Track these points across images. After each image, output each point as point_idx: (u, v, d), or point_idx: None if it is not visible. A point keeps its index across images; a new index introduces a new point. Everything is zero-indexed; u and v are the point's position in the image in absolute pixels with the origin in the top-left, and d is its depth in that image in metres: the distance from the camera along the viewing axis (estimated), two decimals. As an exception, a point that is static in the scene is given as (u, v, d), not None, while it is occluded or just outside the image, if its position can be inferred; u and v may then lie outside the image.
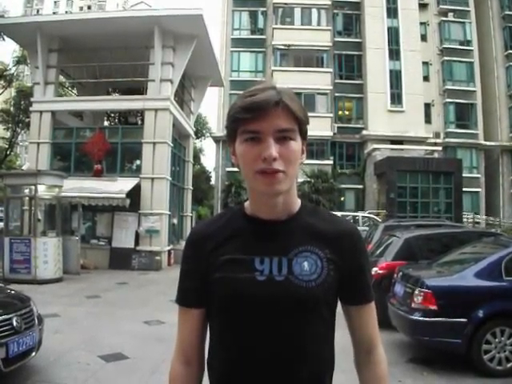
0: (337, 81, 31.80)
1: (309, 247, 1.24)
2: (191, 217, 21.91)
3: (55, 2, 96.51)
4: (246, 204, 1.33)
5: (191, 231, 1.37)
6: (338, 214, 22.47)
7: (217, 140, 32.41)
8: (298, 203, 1.31)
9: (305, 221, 1.28)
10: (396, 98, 30.69)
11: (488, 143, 32.95)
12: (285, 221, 1.26)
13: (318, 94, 31.04)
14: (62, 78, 19.57)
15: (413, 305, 5.59)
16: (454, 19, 33.73)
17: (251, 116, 1.14)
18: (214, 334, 1.30)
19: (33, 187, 12.37)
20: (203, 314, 1.31)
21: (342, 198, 30.21)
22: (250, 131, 1.16)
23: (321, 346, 1.25)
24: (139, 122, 18.85)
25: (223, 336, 1.26)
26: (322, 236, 1.26)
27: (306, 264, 1.21)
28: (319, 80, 30.79)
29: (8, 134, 29.54)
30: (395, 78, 30.82)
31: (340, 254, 1.26)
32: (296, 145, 1.20)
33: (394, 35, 31.29)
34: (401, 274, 6.45)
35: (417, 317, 5.48)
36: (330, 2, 32.40)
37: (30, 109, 17.54)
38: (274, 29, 31.93)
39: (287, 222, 1.26)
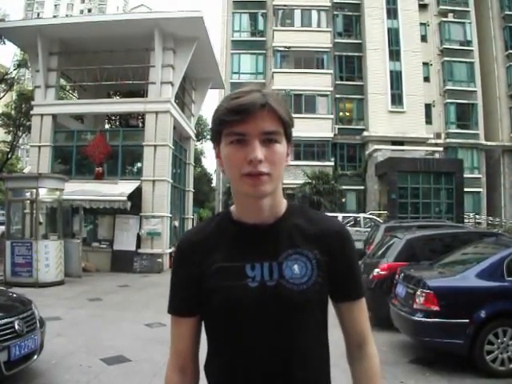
0: (337, 82, 31.80)
1: (298, 249, 1.24)
2: (192, 219, 21.92)
3: (56, 5, 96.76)
4: (233, 208, 1.32)
5: (180, 240, 1.35)
6: (340, 215, 22.61)
7: (218, 142, 32.36)
8: (284, 204, 1.31)
9: (292, 222, 1.28)
10: (396, 99, 30.68)
11: (489, 143, 32.93)
12: (272, 224, 1.26)
13: (319, 95, 31.06)
14: (62, 81, 19.60)
15: (415, 306, 5.58)
16: (454, 20, 33.72)
17: (237, 118, 1.14)
18: (211, 341, 1.30)
19: (34, 190, 12.39)
20: (196, 322, 1.31)
21: (344, 200, 30.18)
22: (236, 133, 1.15)
23: (315, 347, 1.26)
24: (140, 125, 18.85)
25: (219, 343, 1.26)
26: (311, 237, 1.27)
27: (296, 267, 1.22)
28: (320, 81, 30.81)
29: (9, 138, 29.57)
30: (396, 78, 30.81)
31: (329, 253, 1.26)
32: (281, 147, 1.20)
33: (394, 36, 31.30)
34: (402, 274, 6.45)
35: (419, 318, 5.47)
36: (329, 4, 32.41)
37: (31, 112, 17.56)
38: (274, 30, 31.95)
39: (275, 225, 1.26)
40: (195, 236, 1.32)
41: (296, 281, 1.20)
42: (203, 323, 1.31)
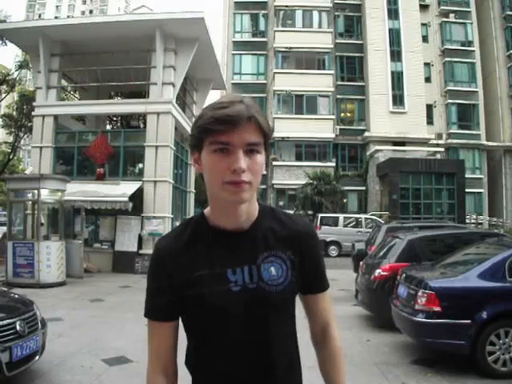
0: (338, 83, 31.83)
1: (273, 252, 1.33)
2: (194, 220, 21.84)
3: (57, 6, 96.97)
4: (207, 214, 1.36)
5: (157, 247, 1.36)
6: (341, 215, 22.58)
7: (219, 143, 32.40)
8: (257, 208, 1.38)
9: (265, 225, 1.36)
10: (398, 100, 30.69)
11: (490, 144, 32.93)
12: (248, 228, 1.33)
13: (320, 96, 31.07)
14: (64, 82, 19.62)
15: (416, 306, 5.57)
16: (455, 20, 33.75)
17: (223, 128, 1.18)
18: (196, 340, 1.35)
19: (36, 191, 12.40)
20: (176, 324, 1.35)
21: (345, 200, 30.18)
22: (220, 142, 1.20)
23: (289, 336, 1.38)
24: (141, 126, 18.87)
25: (207, 342, 1.31)
26: (283, 239, 1.36)
27: (273, 269, 1.31)
28: (321, 82, 30.82)
29: (11, 139, 29.56)
30: (397, 79, 30.83)
31: (300, 253, 1.37)
32: (261, 158, 1.25)
33: (395, 37, 31.31)
34: (404, 275, 6.44)
35: (420, 318, 5.46)
36: (330, 4, 32.45)
37: (33, 113, 17.57)
38: (275, 31, 31.98)
39: (251, 230, 1.33)
40: (174, 243, 1.34)
41: (274, 282, 1.30)
42: (186, 324, 1.35)
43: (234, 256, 1.30)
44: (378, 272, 7.69)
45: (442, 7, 33.94)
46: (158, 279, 1.33)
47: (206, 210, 1.37)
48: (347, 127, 31.69)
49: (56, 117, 16.78)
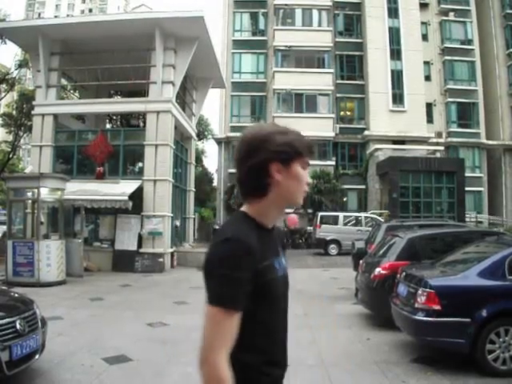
0: (338, 81, 31.79)
1: (280, 247, 1.70)
2: (194, 219, 21.90)
3: (57, 5, 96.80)
4: (252, 214, 1.59)
5: (244, 241, 1.45)
6: (341, 214, 22.62)
7: (219, 142, 32.44)
8: None
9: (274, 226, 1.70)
10: (398, 98, 30.66)
11: (490, 142, 32.92)
12: (272, 228, 1.66)
13: (320, 94, 31.04)
14: (63, 81, 19.62)
15: (416, 305, 5.58)
16: (454, 18, 33.70)
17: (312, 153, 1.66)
18: (258, 324, 1.52)
19: (35, 190, 12.39)
20: None
21: (345, 199, 30.21)
22: (307, 163, 1.62)
23: None
24: (141, 125, 18.87)
25: (269, 322, 1.56)
26: (279, 238, 1.74)
27: (283, 259, 1.67)
28: (321, 81, 30.79)
29: (10, 138, 29.57)
30: (397, 78, 30.79)
31: (282, 248, 1.74)
32: None
33: (395, 35, 31.26)
34: (404, 274, 6.44)
35: (420, 317, 5.46)
36: (330, 3, 32.39)
37: (32, 112, 17.57)
38: (275, 30, 31.93)
39: (273, 229, 1.67)
40: (249, 239, 1.48)
41: (287, 269, 1.67)
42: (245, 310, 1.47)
43: (273, 249, 1.62)
44: (377, 271, 7.70)
45: (442, 6, 33.87)
46: (246, 270, 1.43)
47: (250, 211, 1.59)
48: (347, 126, 31.65)
49: (56, 116, 16.78)
